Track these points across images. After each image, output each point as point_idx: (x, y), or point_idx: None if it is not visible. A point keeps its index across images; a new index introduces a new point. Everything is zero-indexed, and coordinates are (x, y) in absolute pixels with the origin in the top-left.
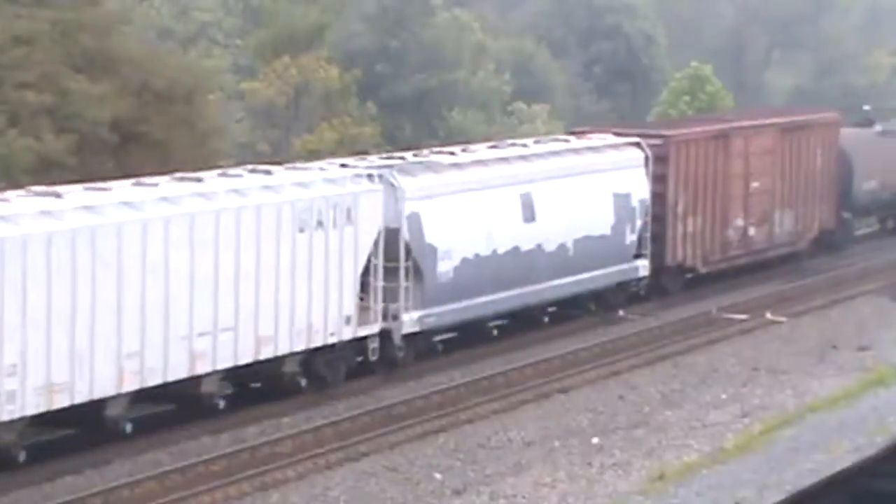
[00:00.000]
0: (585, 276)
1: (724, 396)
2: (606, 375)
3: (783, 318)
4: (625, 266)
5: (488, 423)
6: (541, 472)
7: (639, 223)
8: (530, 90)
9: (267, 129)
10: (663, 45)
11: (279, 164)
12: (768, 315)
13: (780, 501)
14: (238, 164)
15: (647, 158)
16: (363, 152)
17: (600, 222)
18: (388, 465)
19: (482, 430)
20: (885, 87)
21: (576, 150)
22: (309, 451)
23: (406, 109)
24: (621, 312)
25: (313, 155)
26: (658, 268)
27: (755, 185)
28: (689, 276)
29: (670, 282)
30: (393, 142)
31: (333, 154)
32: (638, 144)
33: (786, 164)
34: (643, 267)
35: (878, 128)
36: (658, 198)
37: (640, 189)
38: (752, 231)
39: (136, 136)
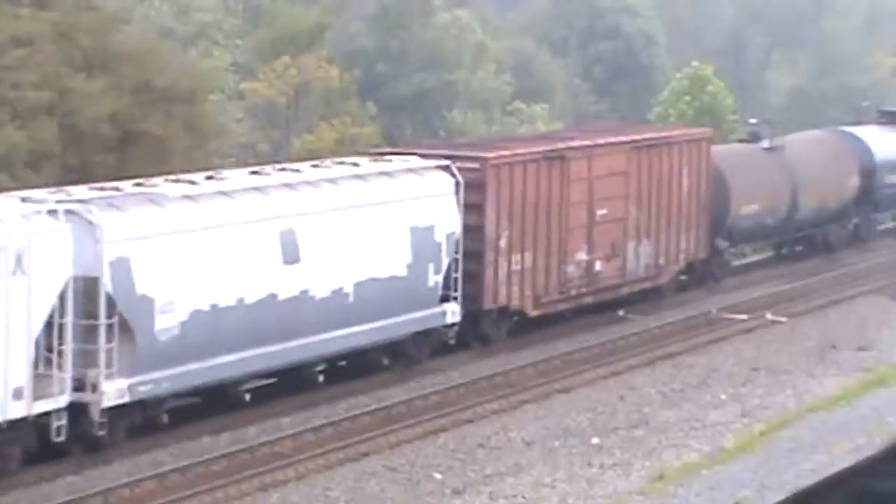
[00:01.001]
0: (372, 326)
1: (724, 396)
2: (606, 375)
3: (783, 318)
4: (427, 312)
5: (488, 423)
6: (541, 472)
7: (446, 261)
8: (530, 90)
9: (267, 129)
10: (663, 45)
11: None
12: (768, 315)
13: (780, 501)
14: (238, 164)
15: (458, 185)
16: (363, 153)
17: (392, 262)
18: (388, 465)
19: (482, 430)
20: (885, 87)
21: (361, 177)
22: (309, 451)
23: (406, 109)
24: (621, 312)
25: (313, 154)
26: (475, 312)
27: (602, 212)
28: (517, 319)
29: (492, 328)
30: (393, 142)
31: (333, 154)
32: (447, 168)
33: (642, 188)
34: (453, 312)
35: (764, 143)
36: (474, 231)
37: (447, 221)
38: (598, 266)
39: (136, 135)
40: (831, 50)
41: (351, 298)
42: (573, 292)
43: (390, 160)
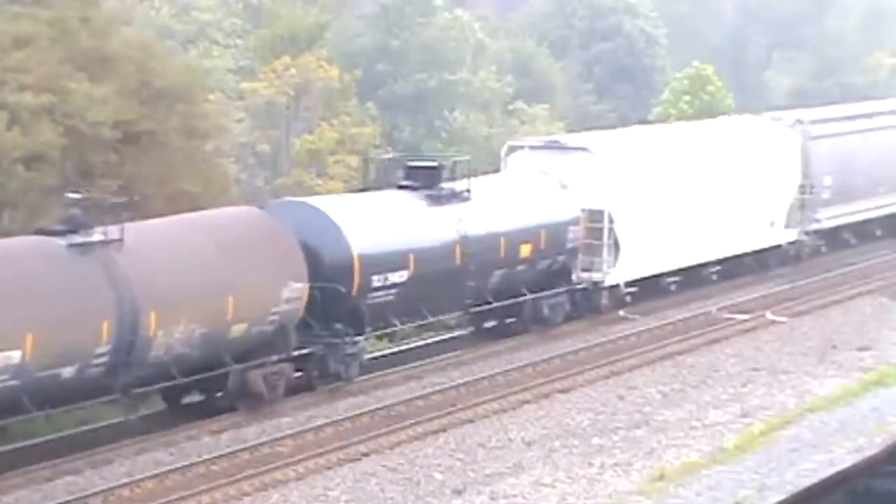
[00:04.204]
0: None
1: (724, 396)
2: (606, 375)
3: (784, 318)
4: None
5: (488, 423)
6: (541, 472)
7: None
8: (531, 90)
9: (267, 129)
10: (664, 45)
11: None
12: (769, 315)
13: (780, 501)
14: (238, 164)
15: None
16: (363, 152)
17: None
18: (388, 465)
19: (482, 430)
20: (885, 87)
21: None
22: (309, 451)
23: (406, 109)
24: (621, 312)
25: (313, 154)
26: None
27: None
28: None
29: None
30: (393, 142)
31: (333, 153)
32: None
33: None
34: None
35: (73, 238)
36: None
37: None
38: None
39: (137, 136)
40: (831, 50)
41: None
42: None
43: None
